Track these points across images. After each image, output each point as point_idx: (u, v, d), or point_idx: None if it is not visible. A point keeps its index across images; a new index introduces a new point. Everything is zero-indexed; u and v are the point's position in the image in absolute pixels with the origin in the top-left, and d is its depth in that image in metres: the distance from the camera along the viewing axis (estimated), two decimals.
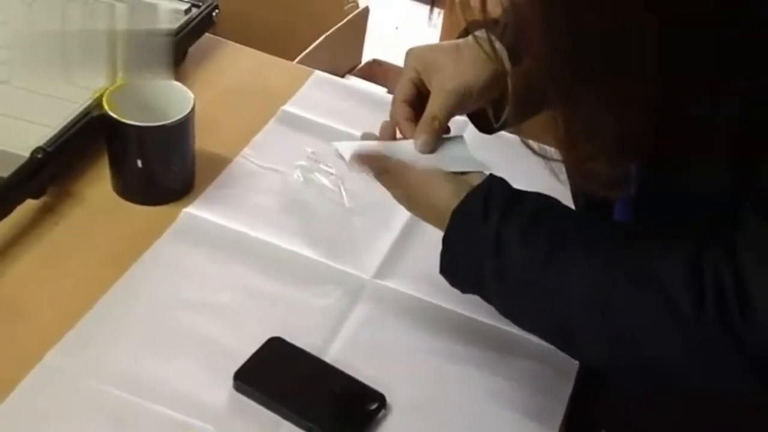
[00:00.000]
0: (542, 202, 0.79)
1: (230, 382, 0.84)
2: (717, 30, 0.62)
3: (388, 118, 0.90)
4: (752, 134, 0.66)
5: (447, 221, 0.79)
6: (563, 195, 0.82)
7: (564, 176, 0.74)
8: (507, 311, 0.81)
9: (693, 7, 0.61)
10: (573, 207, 0.87)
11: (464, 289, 0.83)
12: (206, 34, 1.25)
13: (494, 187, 0.79)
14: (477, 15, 0.68)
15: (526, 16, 0.65)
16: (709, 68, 0.64)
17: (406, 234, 1.02)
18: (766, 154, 0.67)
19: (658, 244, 0.73)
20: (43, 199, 0.99)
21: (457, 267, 0.81)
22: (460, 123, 0.93)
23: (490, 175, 0.81)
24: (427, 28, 0.97)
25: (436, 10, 0.76)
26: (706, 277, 0.69)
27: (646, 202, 0.80)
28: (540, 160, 0.75)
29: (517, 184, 0.81)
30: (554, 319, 0.77)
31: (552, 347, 0.81)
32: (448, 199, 0.80)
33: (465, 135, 0.90)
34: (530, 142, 0.75)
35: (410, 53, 0.90)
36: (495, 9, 0.68)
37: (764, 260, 0.67)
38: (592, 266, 0.74)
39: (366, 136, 0.89)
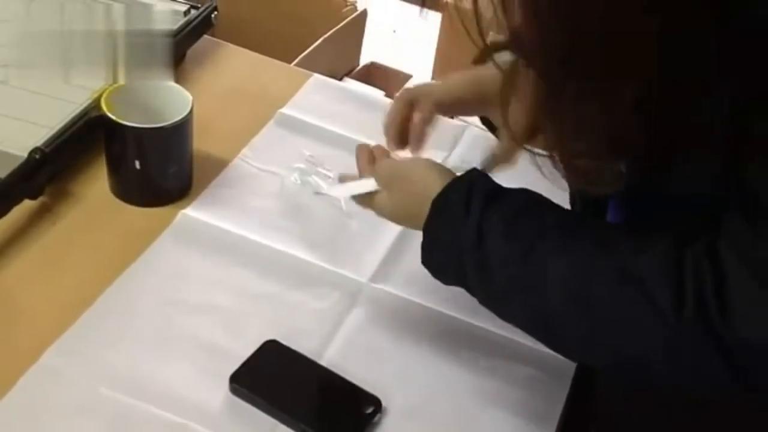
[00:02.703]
0: (524, 196, 0.79)
1: (226, 384, 0.84)
2: (714, 32, 0.62)
3: (385, 121, 0.92)
4: (739, 137, 0.67)
5: (427, 211, 0.80)
6: (552, 195, 0.82)
7: (548, 170, 0.75)
8: (489, 303, 0.81)
9: (691, 10, 0.61)
10: (568, 207, 0.88)
11: (446, 281, 0.83)
12: (205, 36, 1.26)
13: (476, 180, 0.80)
14: (470, 15, 0.69)
15: (518, 16, 0.65)
16: (705, 70, 0.64)
17: (403, 237, 1.02)
18: (751, 158, 0.67)
19: (639, 241, 0.73)
20: (40, 199, 0.99)
21: (438, 258, 0.81)
22: (457, 129, 0.93)
23: (473, 168, 0.82)
24: (424, 32, 0.97)
25: (434, 12, 0.76)
26: (686, 274, 0.69)
27: (635, 202, 0.80)
28: (532, 161, 0.75)
29: (507, 183, 0.81)
30: (535, 312, 0.77)
31: (549, 352, 0.81)
32: (430, 189, 0.80)
33: (465, 134, 0.90)
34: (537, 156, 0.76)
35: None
36: (486, 10, 0.68)
37: (745, 262, 0.67)
38: (572, 261, 0.74)
39: (343, 178, 0.92)
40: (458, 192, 0.79)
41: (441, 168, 0.83)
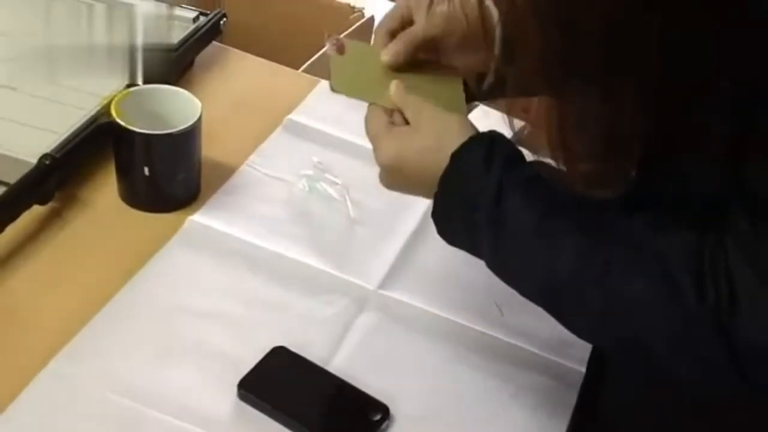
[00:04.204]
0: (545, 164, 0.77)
1: (234, 390, 0.84)
2: (715, 31, 0.62)
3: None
4: (739, 136, 0.66)
5: (444, 162, 0.78)
6: None
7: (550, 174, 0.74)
8: (496, 264, 0.79)
9: (692, 9, 0.61)
10: None
11: (453, 238, 0.81)
12: (213, 43, 1.26)
13: (498, 137, 0.79)
14: (473, 7, 0.68)
15: (521, 13, 0.65)
16: (705, 69, 0.64)
17: (411, 244, 1.03)
18: (751, 157, 0.67)
19: (658, 221, 0.72)
20: (50, 205, 0.99)
21: (450, 210, 0.79)
22: None
23: (492, 130, 0.80)
24: None
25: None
26: (705, 264, 0.68)
27: (635, 202, 0.80)
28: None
29: None
30: (546, 280, 0.75)
31: (557, 359, 0.81)
32: (450, 143, 0.78)
33: None
34: (515, 119, 0.76)
35: None
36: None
37: (748, 262, 0.67)
38: (590, 231, 0.73)
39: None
40: (481, 147, 0.77)
41: (469, 125, 0.81)
